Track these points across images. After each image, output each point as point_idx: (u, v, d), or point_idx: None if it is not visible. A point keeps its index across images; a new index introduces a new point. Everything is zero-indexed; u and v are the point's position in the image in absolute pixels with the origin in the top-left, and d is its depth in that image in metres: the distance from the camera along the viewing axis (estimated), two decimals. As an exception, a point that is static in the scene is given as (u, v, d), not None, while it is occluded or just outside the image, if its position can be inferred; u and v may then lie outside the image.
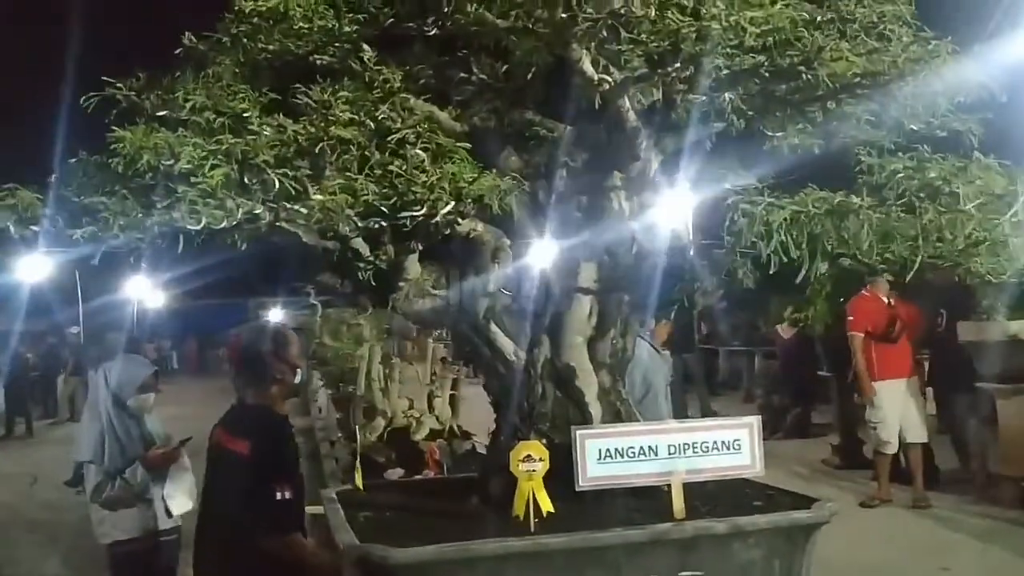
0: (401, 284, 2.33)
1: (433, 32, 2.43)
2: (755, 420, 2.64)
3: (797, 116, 2.76)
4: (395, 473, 5.04)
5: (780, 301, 12.29)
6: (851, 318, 9.95)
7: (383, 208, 1.86)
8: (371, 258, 2.26)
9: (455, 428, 5.94)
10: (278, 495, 2.41)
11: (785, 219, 1.97)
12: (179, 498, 4.30)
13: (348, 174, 1.85)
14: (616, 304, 2.76)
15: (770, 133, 2.89)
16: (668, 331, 9.13)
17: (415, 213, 1.85)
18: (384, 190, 1.86)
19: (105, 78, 2.20)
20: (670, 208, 3.17)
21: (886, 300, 9.73)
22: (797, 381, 15.34)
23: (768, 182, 3.29)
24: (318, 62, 2.44)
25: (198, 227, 1.71)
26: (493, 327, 2.69)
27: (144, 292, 23.62)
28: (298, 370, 3.04)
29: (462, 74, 2.76)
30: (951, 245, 2.28)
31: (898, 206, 2.07)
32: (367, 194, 1.84)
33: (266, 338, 2.36)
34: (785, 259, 2.02)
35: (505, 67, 2.74)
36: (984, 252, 2.39)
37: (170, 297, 27.28)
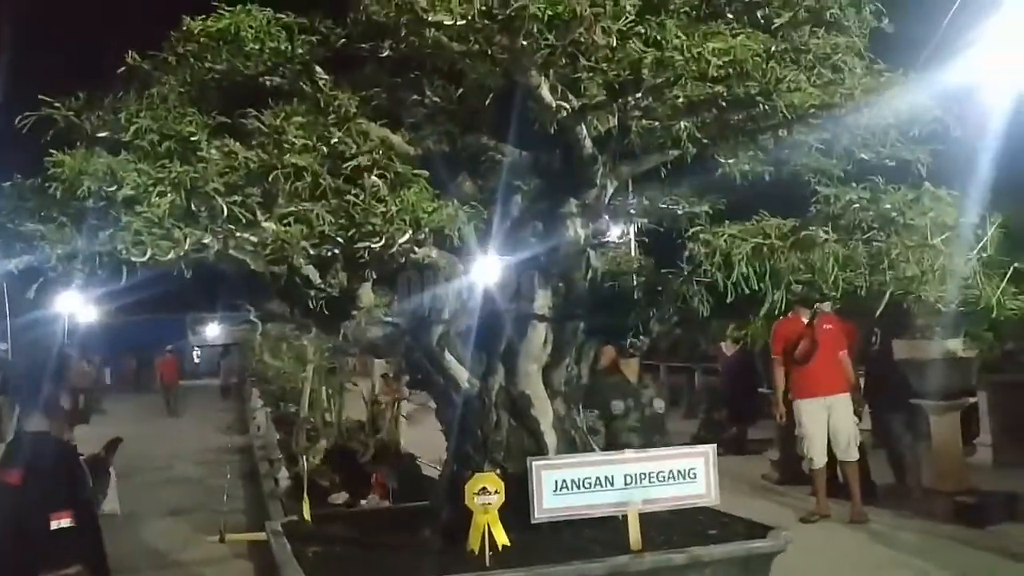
0: (354, 312, 2.25)
1: (386, 54, 2.37)
2: (710, 449, 2.63)
3: (749, 143, 2.76)
4: (340, 497, 4.93)
5: (722, 319, 12.42)
6: (772, 342, 10.17)
7: (339, 238, 1.79)
8: (322, 285, 2.18)
9: (400, 450, 5.84)
10: (53, 524, 2.33)
11: (747, 252, 1.95)
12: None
13: (303, 203, 1.77)
14: (572, 331, 2.72)
15: (722, 160, 2.90)
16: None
17: (373, 244, 1.79)
18: (340, 220, 1.79)
19: (42, 97, 2.10)
20: (623, 234, 3.17)
21: (805, 321, 9.95)
22: (739, 397, 15.58)
23: (720, 207, 3.32)
24: (268, 83, 2.36)
25: (143, 259, 1.62)
26: (447, 354, 2.63)
27: (76, 307, 23.02)
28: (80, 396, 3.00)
29: (415, 96, 2.72)
30: (903, 274, 2.29)
31: (856, 238, 2.07)
32: (323, 224, 1.77)
33: (44, 361, 2.27)
34: (747, 291, 2.00)
35: (459, 91, 2.70)
36: (935, 281, 2.42)
37: (103, 312, 26.56)
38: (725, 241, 2.00)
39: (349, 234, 1.81)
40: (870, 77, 2.38)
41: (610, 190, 2.73)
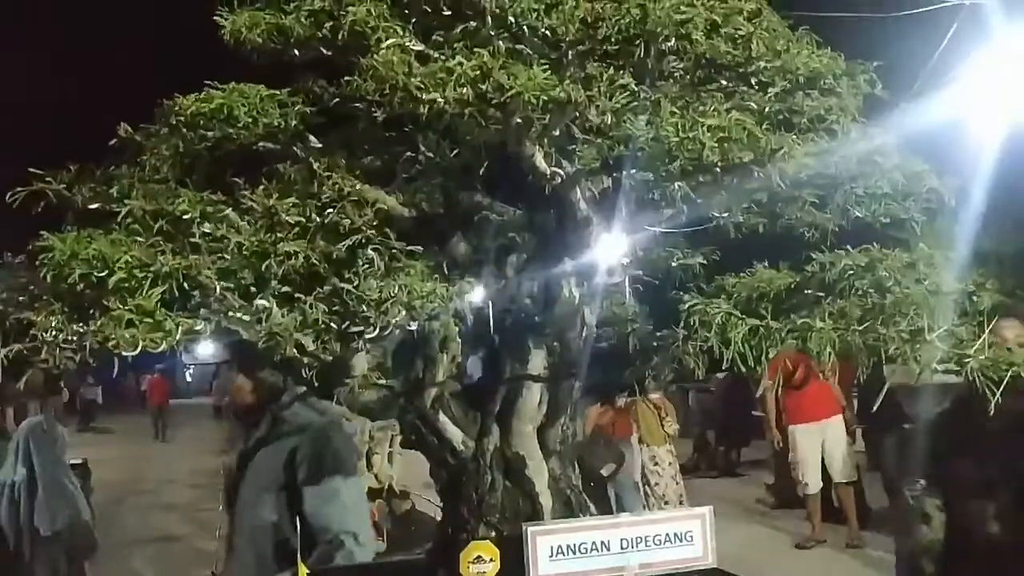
0: (347, 380, 2.24)
1: (381, 115, 2.37)
2: (707, 511, 2.61)
3: (742, 197, 2.76)
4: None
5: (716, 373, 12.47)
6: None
7: (332, 324, 1.78)
8: (316, 352, 2.17)
9: (394, 486, 5.84)
10: None
11: (744, 332, 1.95)
12: None
13: (297, 295, 1.76)
14: (567, 391, 2.71)
15: (716, 214, 2.90)
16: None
17: (368, 335, 1.78)
18: (334, 307, 1.79)
19: (33, 171, 2.09)
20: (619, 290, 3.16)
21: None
22: (732, 420, 15.59)
23: (715, 258, 3.32)
24: (261, 148, 2.36)
25: (134, 352, 1.60)
26: (441, 416, 2.62)
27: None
28: None
29: (409, 152, 2.71)
30: (896, 335, 2.28)
31: (852, 303, 2.08)
32: (316, 315, 1.76)
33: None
34: (743, 368, 2.00)
35: (454, 149, 2.70)
36: (928, 344, 2.40)
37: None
38: (722, 319, 1.99)
39: (343, 325, 1.80)
40: (864, 141, 2.39)
41: (604, 249, 2.72)
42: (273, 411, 3.37)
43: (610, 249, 2.86)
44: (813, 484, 9.91)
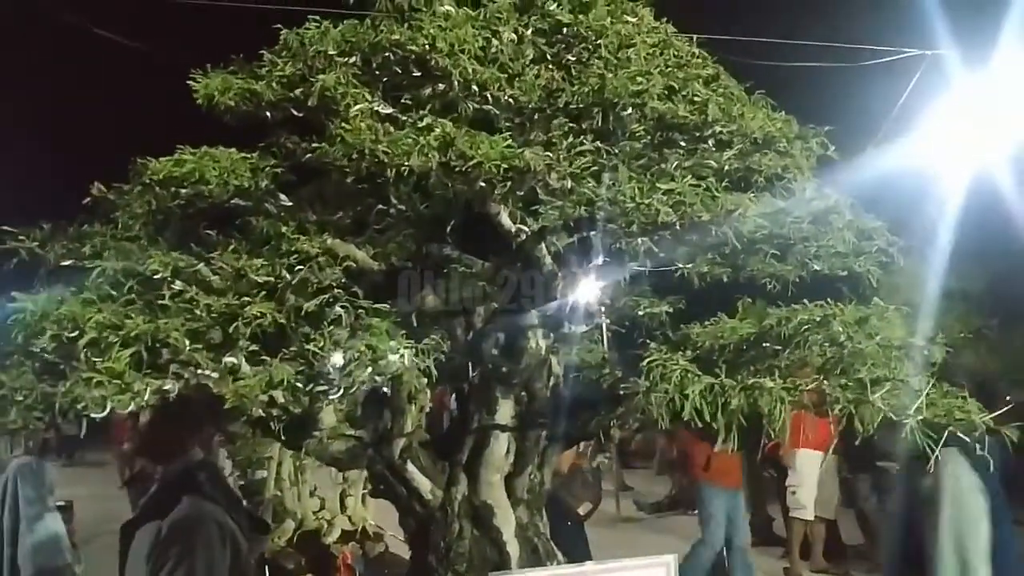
0: (315, 433, 2.28)
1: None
2: (671, 559, 2.65)
3: (706, 252, 2.85)
4: (306, 583, 4.90)
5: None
6: None
7: (298, 384, 1.83)
8: (285, 404, 2.21)
9: (368, 528, 5.81)
10: None
11: (701, 389, 2.01)
12: None
13: (263, 358, 1.81)
14: (534, 440, 2.76)
15: (680, 266, 2.98)
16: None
17: (331, 396, 1.82)
18: (300, 368, 1.83)
19: (5, 228, 2.13)
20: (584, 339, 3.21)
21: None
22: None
23: (680, 307, 3.40)
24: (233, 204, 2.41)
25: (103, 413, 1.64)
26: (410, 466, 2.65)
27: None
28: None
29: (380, 205, 2.77)
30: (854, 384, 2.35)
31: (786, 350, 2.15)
32: (282, 375, 1.80)
33: None
34: (700, 424, 2.06)
35: (426, 204, 2.76)
36: (886, 394, 2.47)
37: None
38: (679, 375, 2.06)
39: (308, 386, 1.84)
40: (819, 200, 2.48)
41: (570, 301, 2.78)
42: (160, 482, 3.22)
43: (577, 300, 2.92)
44: (809, 509, 9.99)
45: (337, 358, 1.80)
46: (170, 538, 3.06)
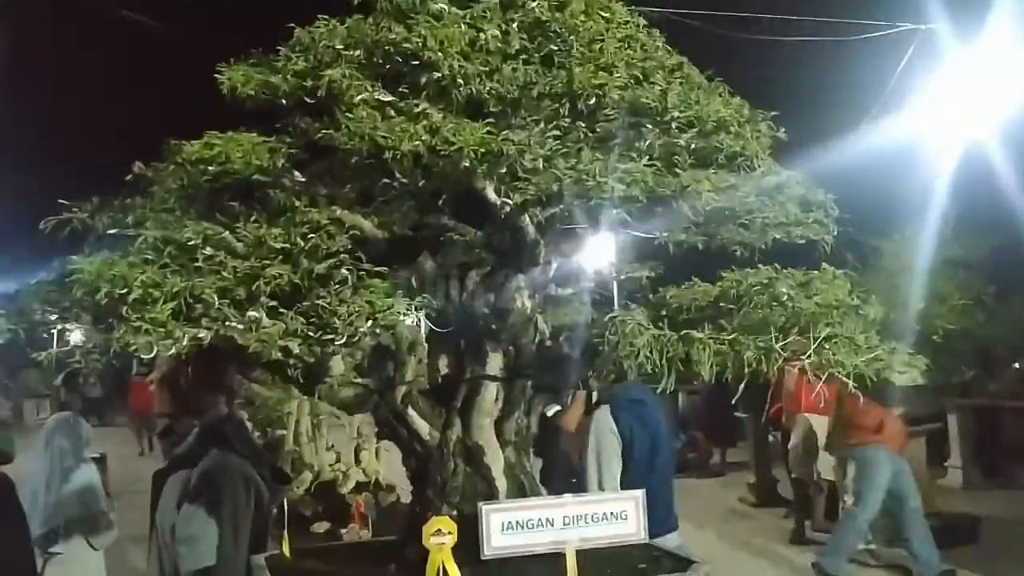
0: (327, 379, 2.63)
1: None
2: (640, 494, 2.99)
3: (681, 220, 3.15)
4: (321, 527, 5.29)
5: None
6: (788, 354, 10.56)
7: (309, 333, 2.18)
8: (301, 354, 2.56)
9: (380, 480, 6.18)
10: None
11: (647, 341, 2.34)
12: None
13: (280, 310, 2.16)
14: (520, 389, 3.10)
15: (656, 234, 3.30)
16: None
17: (336, 341, 2.17)
18: (311, 320, 2.18)
19: (62, 202, 2.49)
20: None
21: None
22: (716, 421, 15.92)
23: (659, 272, 3.73)
24: (254, 180, 2.75)
25: (150, 355, 2.00)
26: (410, 411, 3.01)
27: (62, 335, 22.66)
28: None
29: (385, 180, 3.10)
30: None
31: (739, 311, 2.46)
32: (296, 325, 2.15)
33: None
34: (649, 372, 2.39)
35: (424, 180, 3.09)
36: (837, 348, 2.77)
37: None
38: (631, 328, 2.39)
39: (317, 333, 2.19)
40: (772, 176, 2.79)
41: (554, 265, 3.12)
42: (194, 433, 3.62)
43: (562, 265, 3.26)
44: (810, 471, 10.35)
45: (342, 310, 2.14)
46: (199, 485, 3.48)
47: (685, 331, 2.34)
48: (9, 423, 4.27)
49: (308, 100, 2.66)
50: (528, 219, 2.79)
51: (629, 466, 3.95)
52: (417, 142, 2.22)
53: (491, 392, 3.07)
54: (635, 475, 3.84)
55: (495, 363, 3.06)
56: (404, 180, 3.06)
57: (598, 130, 2.71)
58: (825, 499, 10.98)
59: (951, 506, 10.53)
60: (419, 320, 2.39)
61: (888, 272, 10.32)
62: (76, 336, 2.20)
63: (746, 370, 2.35)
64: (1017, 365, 12.97)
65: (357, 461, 6.30)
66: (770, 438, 13.16)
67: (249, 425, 6.55)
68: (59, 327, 2.14)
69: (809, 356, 2.67)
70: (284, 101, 2.71)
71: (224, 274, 2.20)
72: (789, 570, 9.32)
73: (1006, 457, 12.77)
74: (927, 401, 10.77)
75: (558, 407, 8.59)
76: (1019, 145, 7.95)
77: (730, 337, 2.33)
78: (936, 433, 10.98)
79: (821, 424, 10.62)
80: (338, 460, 6.24)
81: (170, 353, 2.00)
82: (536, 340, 3.15)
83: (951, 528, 9.91)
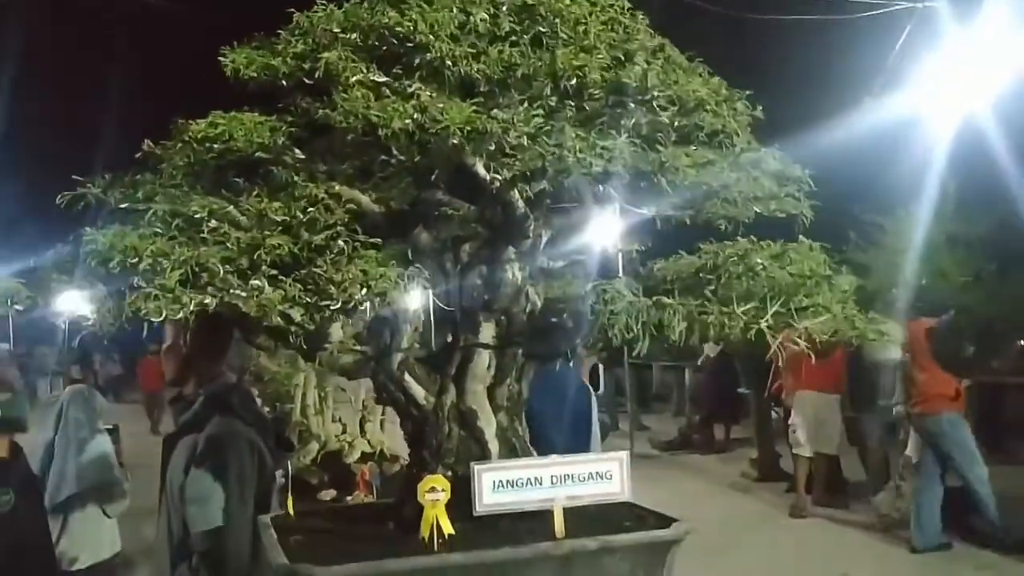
0: (326, 345, 2.80)
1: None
2: (624, 455, 3.15)
3: (668, 195, 3.29)
4: (328, 494, 5.49)
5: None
6: (789, 331, 10.79)
7: (307, 300, 2.34)
8: (301, 322, 2.73)
9: (385, 451, 6.38)
10: None
11: (624, 307, 2.49)
12: None
13: (280, 278, 2.32)
14: (511, 356, 3.26)
15: (644, 210, 3.43)
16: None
17: (332, 307, 2.33)
18: (308, 287, 2.34)
19: (76, 177, 2.66)
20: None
21: None
22: (720, 398, 16.09)
23: (648, 245, 3.87)
24: (257, 157, 2.90)
25: (159, 319, 2.16)
26: (407, 377, 3.17)
27: (76, 305, 22.72)
28: None
29: (383, 156, 3.24)
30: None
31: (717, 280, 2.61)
32: (294, 291, 2.31)
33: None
34: (628, 336, 2.53)
35: (419, 155, 3.23)
36: (810, 316, 2.91)
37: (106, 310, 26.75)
38: (609, 297, 2.54)
39: (314, 299, 2.35)
40: (750, 152, 2.93)
41: (544, 238, 3.26)
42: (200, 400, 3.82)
43: (552, 238, 3.40)
44: (808, 447, 10.55)
45: (337, 278, 2.30)
46: (206, 450, 3.68)
47: (657, 297, 2.49)
48: (24, 394, 4.42)
49: (307, 81, 2.80)
50: (517, 194, 2.93)
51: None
52: (407, 120, 2.37)
53: (484, 360, 3.23)
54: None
55: (487, 332, 3.21)
56: (401, 157, 3.21)
57: (586, 109, 2.85)
58: (826, 474, 11.17)
59: (952, 482, 10.67)
60: (415, 289, 2.54)
61: (890, 249, 10.43)
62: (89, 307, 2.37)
63: (710, 333, 2.49)
64: (1022, 342, 13.06)
65: (362, 432, 6.50)
66: (773, 414, 13.35)
67: (259, 401, 6.79)
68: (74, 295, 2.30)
69: (785, 325, 2.81)
70: (284, 82, 2.86)
71: (228, 245, 2.35)
72: (787, 542, 9.51)
73: (1008, 433, 12.90)
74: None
75: (562, 381, 8.77)
76: (1018, 122, 8.02)
77: (697, 303, 2.48)
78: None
79: (820, 400, 10.79)
80: (344, 431, 6.44)
81: (178, 317, 2.16)
82: (527, 310, 3.30)
83: (951, 502, 10.07)
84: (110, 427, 6.20)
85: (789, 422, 10.92)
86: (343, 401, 6.90)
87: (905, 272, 9.80)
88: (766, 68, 3.26)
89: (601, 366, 11.95)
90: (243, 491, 3.57)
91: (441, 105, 2.39)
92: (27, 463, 4.62)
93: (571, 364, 4.42)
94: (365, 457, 6.22)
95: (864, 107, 7.73)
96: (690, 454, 15.11)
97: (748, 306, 2.41)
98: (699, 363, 17.08)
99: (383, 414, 6.60)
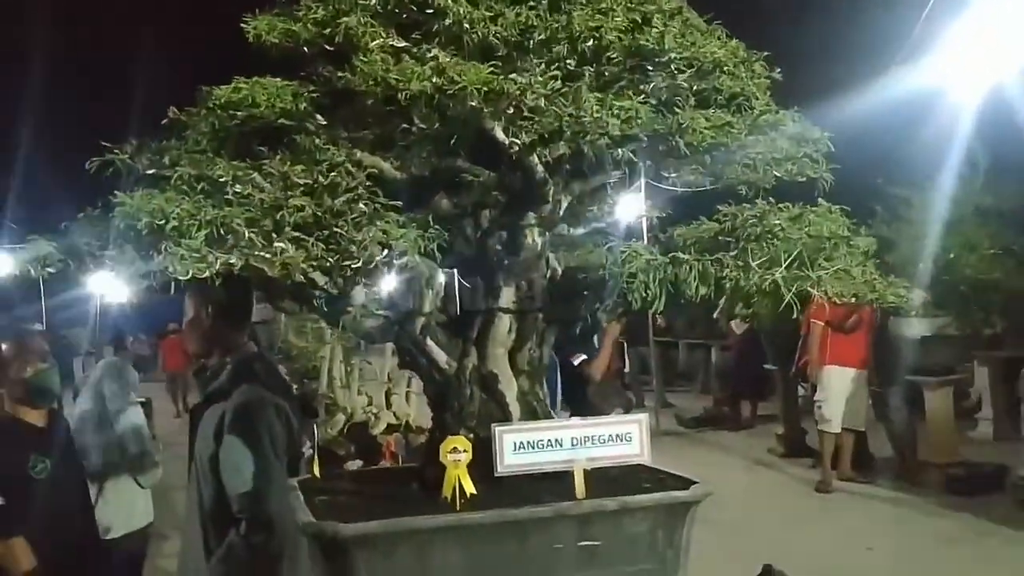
0: (350, 308, 2.85)
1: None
2: (644, 416, 3.19)
3: (688, 161, 3.30)
4: (354, 465, 5.59)
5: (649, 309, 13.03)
6: (815, 307, 10.96)
7: (329, 259, 2.39)
8: (325, 286, 2.78)
9: (410, 423, 6.47)
10: None
11: (641, 266, 2.52)
12: None
13: (303, 233, 2.37)
14: (532, 321, 3.30)
15: (665, 175, 3.45)
16: (619, 328, 9.87)
17: (353, 265, 2.38)
18: (330, 245, 2.39)
19: (104, 144, 2.72)
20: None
21: None
22: (747, 375, 16.07)
23: (668, 212, 3.88)
24: (280, 124, 2.95)
25: (186, 278, 2.22)
26: (429, 341, 3.21)
27: (107, 287, 22.90)
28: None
29: (404, 124, 3.28)
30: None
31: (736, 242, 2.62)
32: (316, 250, 2.36)
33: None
34: (646, 295, 2.56)
35: (439, 122, 3.27)
36: (829, 280, 2.92)
37: (133, 292, 27.14)
38: (626, 257, 2.56)
39: (336, 257, 2.40)
40: (768, 115, 2.93)
41: (564, 203, 3.29)
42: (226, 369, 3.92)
43: (572, 204, 3.43)
44: (835, 423, 10.55)
45: (359, 237, 2.34)
46: (235, 417, 3.79)
47: (673, 254, 2.51)
48: (55, 366, 4.56)
49: (328, 48, 2.84)
50: (536, 159, 2.96)
51: None
52: (425, 82, 2.40)
53: (504, 324, 3.27)
54: None
55: (508, 296, 3.25)
56: (422, 126, 3.25)
57: (604, 75, 2.87)
58: (852, 449, 11.14)
59: (981, 457, 10.62)
60: (432, 248, 2.59)
61: (917, 223, 10.32)
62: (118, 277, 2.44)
63: (726, 288, 2.51)
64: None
65: (388, 405, 6.59)
66: (799, 390, 13.32)
67: (285, 373, 6.89)
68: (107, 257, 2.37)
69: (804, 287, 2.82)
70: (306, 49, 2.90)
71: (252, 206, 2.41)
72: (813, 517, 9.51)
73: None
74: (954, 352, 10.82)
75: (584, 356, 8.83)
76: (1049, 92, 7.88)
77: (712, 257, 2.50)
78: (959, 383, 11.04)
79: (847, 376, 10.75)
80: (370, 403, 6.53)
81: (204, 276, 2.22)
82: (547, 276, 3.33)
83: (976, 477, 10.03)
84: (143, 400, 6.35)
85: (815, 398, 10.90)
86: (370, 379, 6.99)
87: (931, 246, 9.68)
88: (787, 36, 3.23)
89: (625, 343, 11.96)
90: (276, 452, 3.69)
91: (459, 67, 2.42)
92: (67, 433, 4.76)
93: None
94: (391, 429, 6.33)
95: (889, 76, 7.64)
96: (716, 431, 15.13)
97: (764, 259, 2.42)
98: (723, 343, 17.06)
99: (409, 386, 6.69)
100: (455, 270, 3.18)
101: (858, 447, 10.85)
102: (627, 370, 13.59)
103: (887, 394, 10.86)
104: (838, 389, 10.52)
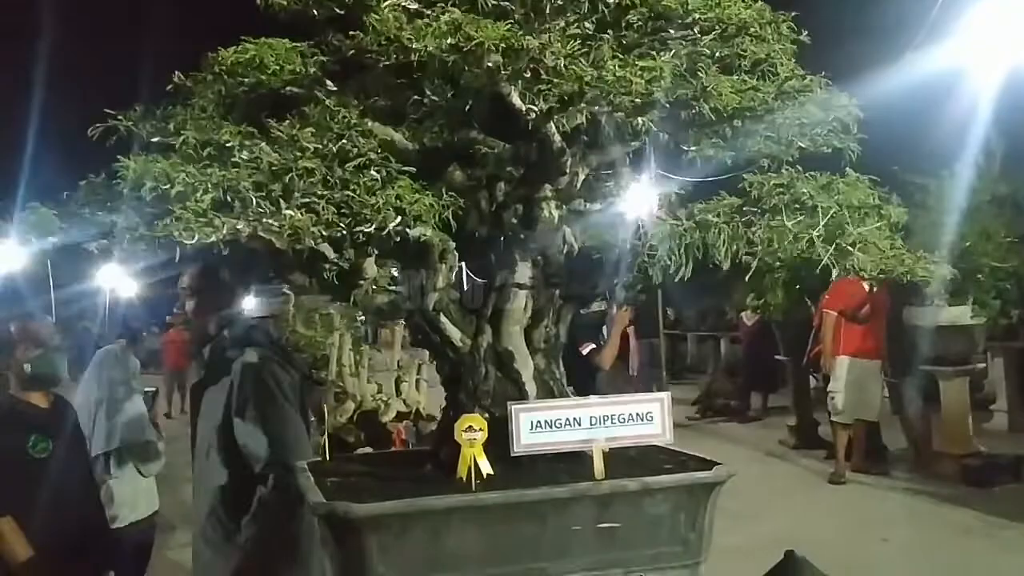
0: (361, 282, 2.75)
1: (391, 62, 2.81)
2: (665, 396, 3.08)
3: (709, 133, 3.19)
4: (364, 452, 5.51)
5: (743, 289, 12.88)
6: (828, 297, 10.84)
7: (341, 224, 2.29)
8: (335, 259, 2.68)
9: (421, 411, 6.39)
10: None
11: (665, 233, 2.41)
12: None
13: (313, 198, 2.27)
14: (548, 297, 3.19)
15: (685, 148, 3.34)
16: (629, 317, 9.76)
17: (366, 229, 2.27)
18: (342, 210, 2.29)
19: (108, 111, 2.63)
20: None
21: (867, 286, 10.69)
22: (758, 366, 15.97)
23: (687, 189, 3.77)
24: (288, 92, 2.85)
25: (191, 242, 2.12)
26: (442, 318, 3.11)
27: (116, 281, 22.75)
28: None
29: (416, 96, 3.18)
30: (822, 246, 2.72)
31: (763, 214, 2.51)
32: (328, 214, 2.26)
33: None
34: (670, 262, 2.46)
35: (453, 92, 3.16)
36: (859, 252, 2.82)
37: (143, 286, 27.11)
38: (648, 224, 2.46)
39: (348, 221, 2.30)
40: (794, 80, 2.82)
41: (581, 176, 3.18)
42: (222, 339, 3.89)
43: (590, 178, 3.32)
44: (848, 413, 10.44)
45: (371, 200, 2.24)
46: (242, 378, 3.76)
47: (700, 217, 2.41)
48: (59, 350, 4.49)
49: (338, 12, 2.74)
50: (554, 127, 2.85)
51: None
52: (440, 39, 2.30)
53: (520, 300, 3.17)
54: None
55: (524, 272, 3.15)
56: (434, 97, 3.14)
57: (624, 40, 2.76)
58: (865, 440, 11.02)
59: (996, 448, 10.49)
60: (448, 217, 2.48)
61: (933, 210, 10.19)
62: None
63: (758, 250, 2.41)
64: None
65: (398, 392, 6.52)
66: (811, 381, 13.20)
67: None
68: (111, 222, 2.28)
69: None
70: (316, 12, 2.80)
71: (260, 169, 2.31)
72: (826, 509, 9.39)
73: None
74: (970, 342, 10.69)
75: (592, 345, 8.72)
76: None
77: (744, 219, 2.40)
78: (976, 374, 10.91)
79: (860, 366, 10.63)
80: (380, 391, 6.45)
81: (210, 240, 2.12)
82: (564, 251, 3.23)
83: (991, 467, 9.90)
84: (152, 389, 6.28)
85: (828, 389, 10.80)
86: (381, 369, 6.92)
87: (947, 233, 9.55)
88: (796, 23, 3.11)
89: (632, 335, 11.85)
90: (288, 399, 3.74)
91: (474, 24, 2.31)
92: (71, 417, 4.69)
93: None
94: (401, 417, 6.25)
95: (904, 61, 7.51)
96: (727, 422, 15.03)
97: (799, 218, 2.32)
98: (733, 335, 16.96)
99: (419, 374, 6.61)
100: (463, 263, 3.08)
101: (871, 438, 10.74)
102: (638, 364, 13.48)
103: (902, 384, 10.75)
104: (851, 380, 10.40)
